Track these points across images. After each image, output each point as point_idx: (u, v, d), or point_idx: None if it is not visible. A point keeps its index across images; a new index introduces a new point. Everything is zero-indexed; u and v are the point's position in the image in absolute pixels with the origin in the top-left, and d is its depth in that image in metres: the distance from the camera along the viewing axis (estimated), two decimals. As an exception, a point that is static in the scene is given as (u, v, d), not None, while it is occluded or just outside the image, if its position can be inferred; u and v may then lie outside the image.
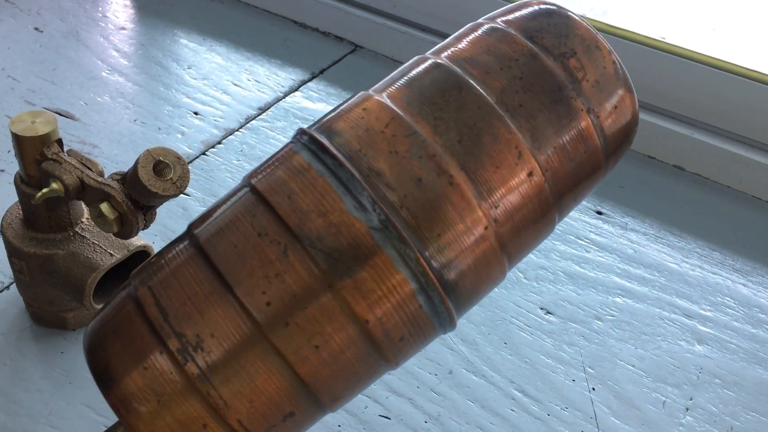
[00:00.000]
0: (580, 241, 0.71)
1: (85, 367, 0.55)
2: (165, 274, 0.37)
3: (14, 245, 0.52)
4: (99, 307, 0.53)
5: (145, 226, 0.49)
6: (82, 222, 0.54)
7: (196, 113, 0.82)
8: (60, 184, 0.48)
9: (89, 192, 0.49)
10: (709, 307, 0.65)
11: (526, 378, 0.57)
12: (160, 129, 0.79)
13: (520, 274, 0.66)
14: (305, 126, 0.40)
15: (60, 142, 0.51)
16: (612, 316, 0.63)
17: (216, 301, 0.35)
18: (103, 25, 0.96)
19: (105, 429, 0.41)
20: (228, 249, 0.36)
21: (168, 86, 0.86)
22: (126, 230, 0.48)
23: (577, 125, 0.39)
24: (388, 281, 0.35)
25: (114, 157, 0.74)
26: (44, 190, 0.47)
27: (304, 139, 0.38)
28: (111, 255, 0.52)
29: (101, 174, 0.50)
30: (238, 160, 0.76)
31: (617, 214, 0.74)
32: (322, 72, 0.91)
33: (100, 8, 1.00)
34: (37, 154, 0.49)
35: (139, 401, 0.35)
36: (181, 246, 0.38)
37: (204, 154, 0.77)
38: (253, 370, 0.35)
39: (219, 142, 0.78)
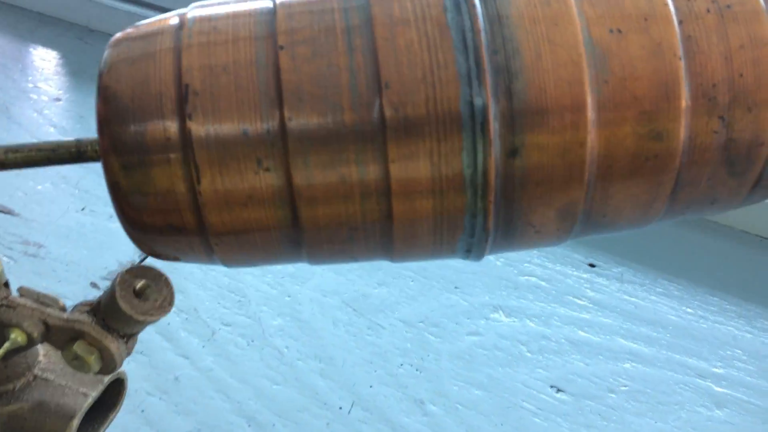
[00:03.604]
0: (578, 301, 0.67)
1: None
2: (222, 59, 0.31)
3: (-34, 407, 0.45)
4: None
5: (128, 354, 0.43)
6: (40, 361, 0.48)
7: (150, 193, 0.75)
8: (20, 332, 0.42)
9: (56, 333, 0.42)
10: (720, 363, 0.62)
11: (549, 474, 0.53)
12: (111, 217, 0.72)
13: (523, 347, 0.62)
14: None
15: (6, 283, 0.44)
16: (625, 386, 0.60)
17: (257, 102, 0.30)
18: (35, 96, 0.88)
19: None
20: (302, 62, 0.30)
21: (115, 164, 0.79)
22: (108, 366, 0.42)
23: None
24: (444, 148, 0.29)
25: (63, 257, 0.67)
26: (6, 345, 0.41)
27: None
28: (84, 394, 0.46)
29: (64, 309, 0.44)
30: (204, 245, 0.70)
31: (610, 264, 0.71)
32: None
33: (30, 77, 0.92)
34: (-16, 304, 0.42)
35: (129, 152, 0.30)
36: (253, 18, 0.31)
37: (165, 241, 0.70)
38: (250, 171, 0.30)
39: (180, 226, 0.72)
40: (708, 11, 0.31)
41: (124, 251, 0.68)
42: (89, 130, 0.83)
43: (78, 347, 0.41)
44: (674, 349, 0.63)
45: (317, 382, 0.58)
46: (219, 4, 0.33)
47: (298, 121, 0.29)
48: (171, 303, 0.42)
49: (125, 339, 0.43)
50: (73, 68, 0.95)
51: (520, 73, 0.29)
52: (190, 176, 0.30)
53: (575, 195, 0.31)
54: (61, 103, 0.88)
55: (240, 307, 0.64)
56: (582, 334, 0.64)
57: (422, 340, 0.62)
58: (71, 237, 0.70)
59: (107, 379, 0.48)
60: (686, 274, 0.70)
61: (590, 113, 0.30)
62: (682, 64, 0.30)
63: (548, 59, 0.30)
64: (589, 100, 0.30)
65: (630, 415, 0.58)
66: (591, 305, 0.67)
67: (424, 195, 0.30)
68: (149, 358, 0.59)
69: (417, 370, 0.60)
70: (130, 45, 0.32)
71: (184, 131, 0.30)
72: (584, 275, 0.70)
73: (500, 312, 0.65)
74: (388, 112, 0.29)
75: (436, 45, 0.29)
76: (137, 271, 0.42)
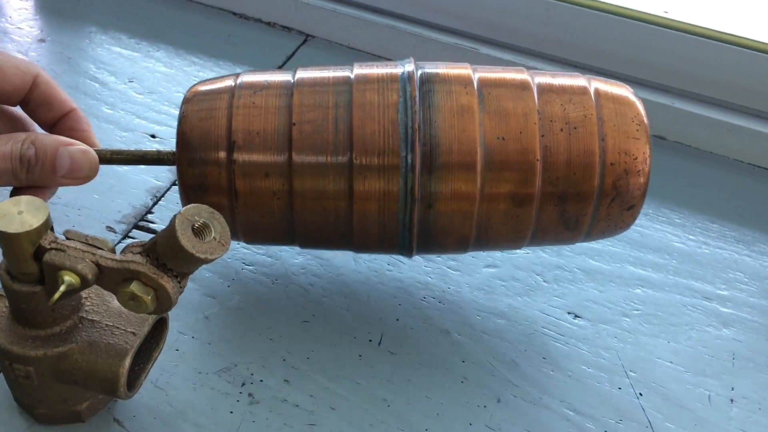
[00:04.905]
0: (586, 232, 0.69)
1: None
2: (256, 126, 0.48)
3: (14, 352, 0.44)
4: (132, 394, 0.47)
5: (181, 293, 0.44)
6: (83, 303, 0.48)
7: (153, 136, 0.74)
8: (74, 275, 0.41)
9: (108, 275, 0.42)
10: (723, 286, 0.65)
11: (575, 394, 0.56)
12: (118, 160, 0.70)
13: (539, 277, 0.64)
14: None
15: (52, 228, 0.43)
16: (638, 310, 0.62)
17: (276, 154, 0.48)
18: (18, 38, 0.85)
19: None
20: (306, 135, 0.48)
21: (113, 106, 0.77)
22: (163, 305, 0.43)
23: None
24: (386, 181, 0.47)
25: (74, 203, 0.66)
26: (61, 289, 0.41)
27: (406, 73, 0.48)
28: (133, 334, 0.46)
29: (113, 250, 0.44)
30: (215, 187, 0.69)
31: (614, 196, 0.73)
32: (279, 68, 0.83)
33: (9, 17, 0.88)
34: (32, 248, 0.42)
35: (195, 167, 0.49)
36: (279, 91, 0.49)
37: (175, 184, 0.69)
38: (268, 191, 0.49)
39: (188, 168, 0.71)
40: (561, 130, 0.47)
41: (134, 194, 0.67)
42: (80, 72, 0.81)
43: (135, 287, 0.41)
44: (680, 274, 0.66)
45: (345, 317, 0.59)
46: (260, 73, 0.51)
47: (300, 163, 0.47)
48: (228, 241, 0.42)
49: (178, 278, 0.43)
50: (51, 9, 0.91)
51: (438, 158, 0.46)
52: (231, 188, 0.48)
53: (466, 233, 0.48)
54: (45, 44, 0.84)
55: (259, 247, 0.64)
56: (593, 263, 0.66)
57: (442, 274, 0.63)
58: (79, 182, 0.68)
59: (152, 318, 0.48)
60: (687, 204, 0.73)
61: (479, 187, 0.46)
62: (539, 164, 0.46)
63: (456, 152, 0.46)
64: (479, 180, 0.46)
65: (644, 336, 0.60)
66: (599, 235, 0.69)
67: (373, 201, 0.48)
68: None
69: (440, 302, 0.61)
70: (199, 104, 0.49)
71: (230, 164, 0.48)
72: (590, 207, 0.72)
73: (514, 244, 0.67)
74: (355, 164, 0.47)
75: (388, 135, 0.46)
76: (192, 210, 0.42)
